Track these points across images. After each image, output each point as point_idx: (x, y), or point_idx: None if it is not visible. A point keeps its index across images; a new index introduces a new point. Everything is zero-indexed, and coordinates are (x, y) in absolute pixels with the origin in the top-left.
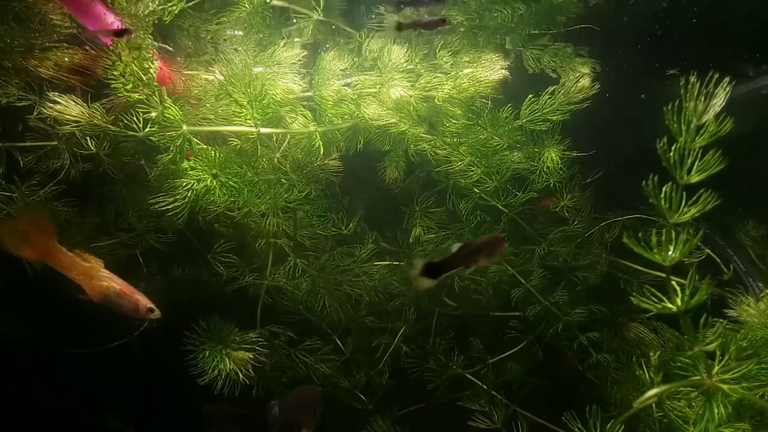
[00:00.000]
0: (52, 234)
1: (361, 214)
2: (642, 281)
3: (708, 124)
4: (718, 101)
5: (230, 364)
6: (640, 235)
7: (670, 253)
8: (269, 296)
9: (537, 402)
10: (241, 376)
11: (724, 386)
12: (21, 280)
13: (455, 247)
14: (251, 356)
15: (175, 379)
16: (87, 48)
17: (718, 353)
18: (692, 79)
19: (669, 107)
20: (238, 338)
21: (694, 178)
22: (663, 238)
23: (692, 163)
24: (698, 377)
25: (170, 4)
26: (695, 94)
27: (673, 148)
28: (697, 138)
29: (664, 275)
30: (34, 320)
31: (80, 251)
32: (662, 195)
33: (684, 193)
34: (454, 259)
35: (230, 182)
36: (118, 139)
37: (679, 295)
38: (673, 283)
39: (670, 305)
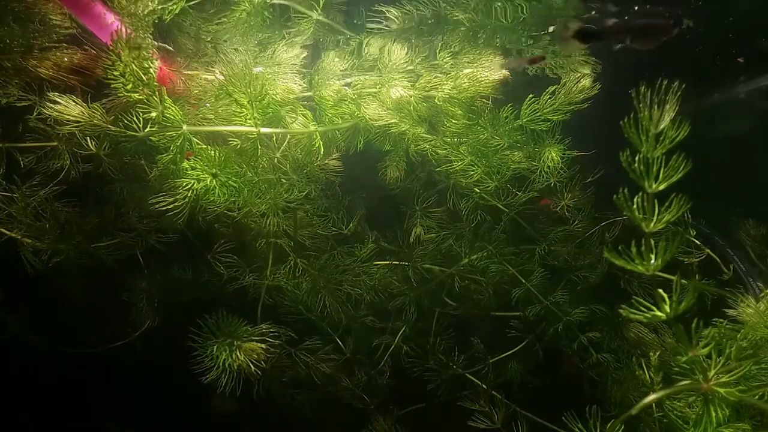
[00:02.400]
0: None
1: (361, 213)
2: (642, 281)
3: (666, 131)
4: (671, 107)
5: (242, 356)
6: (620, 247)
7: (652, 261)
8: (269, 296)
9: (537, 402)
10: (252, 368)
11: (721, 389)
12: (22, 280)
13: (611, 21)
14: (263, 347)
15: (177, 379)
16: (87, 48)
17: (714, 356)
18: (642, 89)
19: (625, 120)
20: (249, 329)
21: (663, 185)
22: (643, 248)
23: (658, 171)
24: (695, 381)
25: (170, 3)
26: (648, 103)
27: (636, 158)
28: (657, 146)
29: (665, 275)
30: (35, 320)
31: None
32: (634, 206)
33: (656, 201)
34: (609, 30)
35: (230, 182)
36: (118, 139)
37: (667, 302)
38: (660, 291)
39: (659, 314)
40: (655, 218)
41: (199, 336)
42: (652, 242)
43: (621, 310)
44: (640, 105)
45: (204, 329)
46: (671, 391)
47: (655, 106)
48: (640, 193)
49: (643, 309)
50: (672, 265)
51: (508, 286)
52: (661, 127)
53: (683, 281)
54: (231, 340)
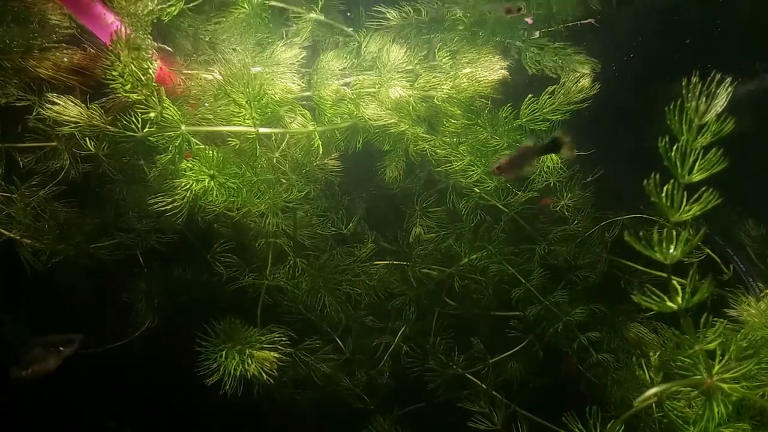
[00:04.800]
0: None
1: (360, 213)
2: (642, 281)
3: (710, 124)
4: (720, 101)
5: (254, 366)
6: (641, 233)
7: (671, 251)
8: (269, 296)
9: (537, 402)
10: (265, 377)
11: (725, 386)
12: (21, 280)
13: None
14: (276, 356)
15: (176, 379)
16: (86, 48)
17: (718, 353)
18: (694, 79)
19: (671, 106)
20: (263, 337)
21: (696, 177)
22: (664, 236)
23: (694, 162)
24: (698, 377)
25: (169, 4)
26: (697, 93)
27: (674, 147)
28: (698, 137)
29: (664, 275)
30: (35, 321)
31: None
32: (663, 194)
33: (685, 192)
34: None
35: (228, 183)
36: (117, 140)
37: (680, 293)
38: (674, 282)
39: (671, 304)
40: (682, 208)
41: (203, 339)
42: (674, 233)
43: (633, 297)
44: (689, 95)
45: (208, 331)
46: (675, 385)
47: (703, 98)
48: (671, 182)
49: (655, 298)
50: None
51: (508, 286)
52: (706, 119)
53: (681, 280)
54: (241, 347)
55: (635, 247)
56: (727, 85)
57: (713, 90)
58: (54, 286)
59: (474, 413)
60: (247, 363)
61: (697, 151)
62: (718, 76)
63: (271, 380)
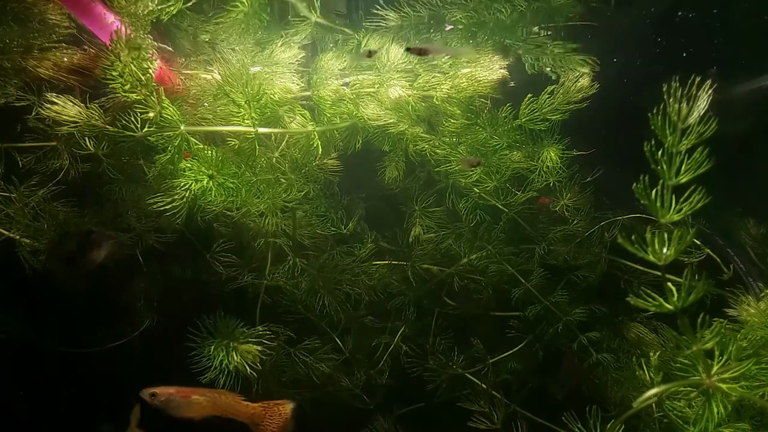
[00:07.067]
0: None
1: (360, 213)
2: (642, 281)
3: (693, 126)
4: (702, 104)
5: (237, 358)
6: (633, 236)
7: (665, 251)
8: (269, 296)
9: (537, 402)
10: (248, 369)
11: (723, 386)
12: (20, 279)
13: None
14: (259, 348)
15: (176, 379)
16: (86, 48)
17: (717, 353)
18: (674, 83)
19: (654, 111)
20: (246, 330)
21: (683, 179)
22: (656, 237)
23: (680, 164)
24: (697, 377)
25: (168, 3)
26: (678, 97)
27: (659, 151)
28: (683, 140)
29: (664, 275)
30: (34, 320)
31: None
32: (653, 195)
33: (673, 194)
34: None
35: (227, 182)
36: (117, 140)
37: (675, 294)
38: (669, 283)
39: (667, 305)
40: (672, 209)
41: (198, 336)
42: (666, 234)
43: (628, 299)
44: (670, 99)
45: (203, 327)
46: (674, 385)
47: (684, 102)
48: (660, 184)
49: (650, 299)
50: (673, 264)
51: (507, 286)
52: (689, 122)
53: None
54: (228, 341)
55: (628, 248)
56: (707, 87)
57: (694, 93)
58: (53, 286)
59: (474, 413)
60: (232, 355)
61: (682, 153)
62: (698, 79)
63: (254, 373)
